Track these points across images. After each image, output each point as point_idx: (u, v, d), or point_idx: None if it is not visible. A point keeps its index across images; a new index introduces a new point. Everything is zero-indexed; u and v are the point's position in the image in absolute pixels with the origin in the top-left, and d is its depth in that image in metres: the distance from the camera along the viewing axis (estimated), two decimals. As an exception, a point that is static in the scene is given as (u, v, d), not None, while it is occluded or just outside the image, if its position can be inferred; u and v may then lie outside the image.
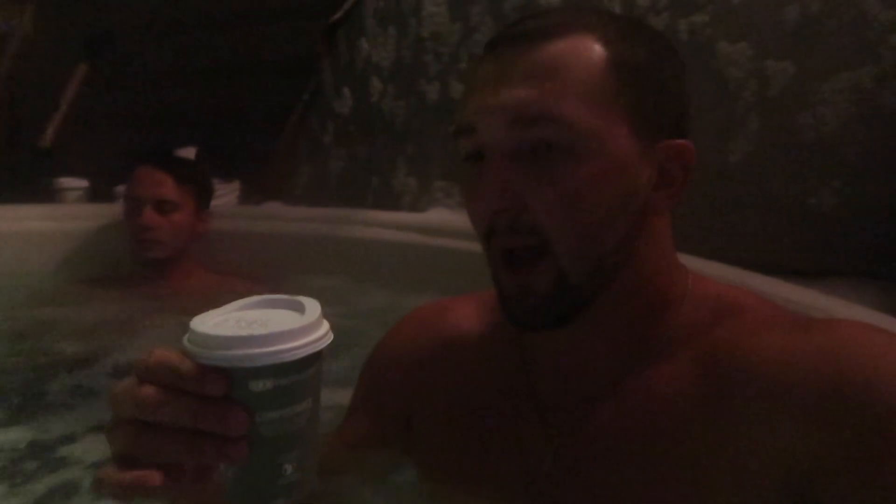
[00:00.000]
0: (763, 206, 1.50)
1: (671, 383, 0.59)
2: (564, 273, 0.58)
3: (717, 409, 0.56)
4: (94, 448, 1.19)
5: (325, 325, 0.44)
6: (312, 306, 0.45)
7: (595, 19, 0.60)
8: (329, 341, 0.44)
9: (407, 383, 0.74)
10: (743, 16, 1.56)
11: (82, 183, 2.46)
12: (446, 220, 1.96)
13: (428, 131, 2.23)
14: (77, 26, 3.04)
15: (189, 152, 2.34)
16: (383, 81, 2.35)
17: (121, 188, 2.04)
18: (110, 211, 2.07)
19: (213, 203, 2.06)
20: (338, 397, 0.81)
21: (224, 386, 0.41)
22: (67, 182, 2.44)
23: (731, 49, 1.57)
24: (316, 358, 0.43)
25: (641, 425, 0.59)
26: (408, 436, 0.74)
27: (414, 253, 1.87)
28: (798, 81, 1.49)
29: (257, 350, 0.41)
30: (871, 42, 1.42)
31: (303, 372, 0.42)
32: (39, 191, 2.43)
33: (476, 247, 0.64)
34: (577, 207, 0.56)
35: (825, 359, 0.52)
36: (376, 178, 2.34)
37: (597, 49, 0.58)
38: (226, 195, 2.46)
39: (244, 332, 0.42)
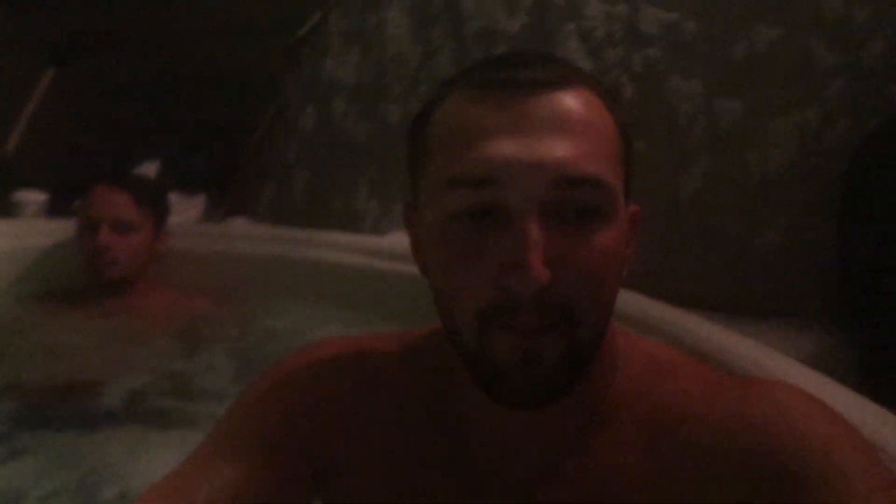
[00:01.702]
0: (709, 244, 1.53)
1: (615, 452, 0.58)
2: (580, 342, 0.54)
3: (659, 476, 0.56)
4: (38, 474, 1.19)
5: None
6: None
7: (584, 74, 0.57)
8: None
9: (318, 430, 0.65)
10: (693, 51, 1.59)
11: (41, 197, 2.42)
12: (407, 245, 1.96)
13: (390, 153, 2.23)
14: (43, 32, 3.00)
15: (150, 168, 2.32)
16: (346, 101, 2.35)
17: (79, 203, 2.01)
18: (70, 227, 2.04)
19: (177, 219, 2.04)
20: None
21: None
22: (25, 196, 2.40)
23: (683, 84, 1.60)
24: None
25: (590, 499, 0.58)
26: (315, 492, 0.66)
27: (375, 278, 1.87)
28: (745, 120, 1.52)
29: None
30: (816, 84, 1.46)
31: None
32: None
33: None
34: (604, 275, 0.53)
35: (759, 425, 0.53)
36: (339, 198, 2.34)
37: (603, 106, 0.56)
38: (189, 210, 2.44)
39: None
